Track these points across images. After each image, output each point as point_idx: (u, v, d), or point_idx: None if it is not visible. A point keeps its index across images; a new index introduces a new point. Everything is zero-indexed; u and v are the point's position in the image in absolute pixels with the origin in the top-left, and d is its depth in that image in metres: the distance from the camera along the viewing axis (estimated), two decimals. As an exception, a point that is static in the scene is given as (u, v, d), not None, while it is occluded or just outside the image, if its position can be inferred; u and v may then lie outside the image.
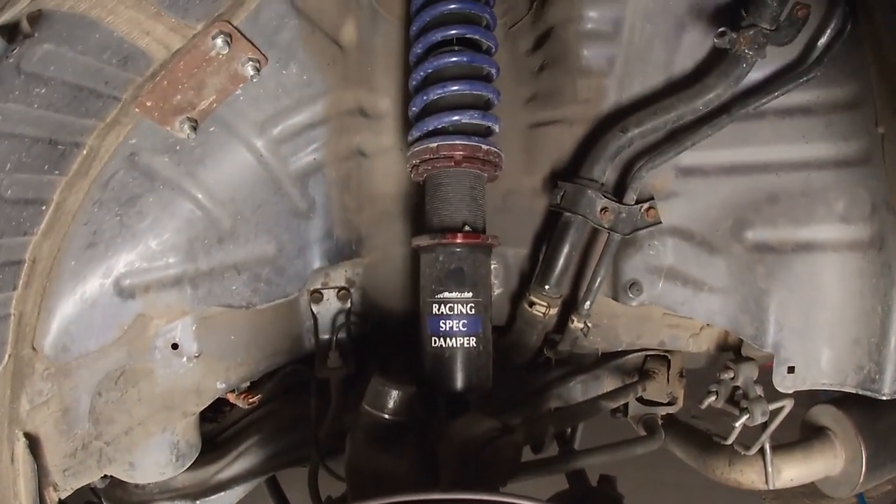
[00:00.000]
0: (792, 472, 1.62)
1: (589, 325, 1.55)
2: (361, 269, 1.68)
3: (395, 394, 1.26)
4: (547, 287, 1.53)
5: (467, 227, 1.35)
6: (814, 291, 1.45)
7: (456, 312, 1.33)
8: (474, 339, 1.34)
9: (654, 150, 1.45)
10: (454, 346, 1.34)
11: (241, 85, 1.35)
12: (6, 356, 1.29)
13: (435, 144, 1.35)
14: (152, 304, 1.43)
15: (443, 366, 1.35)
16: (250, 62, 1.32)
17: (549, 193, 1.57)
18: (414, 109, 1.42)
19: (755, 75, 1.36)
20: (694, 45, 1.42)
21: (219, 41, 1.26)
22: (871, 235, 1.39)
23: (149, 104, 1.30)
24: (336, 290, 1.64)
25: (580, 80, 1.49)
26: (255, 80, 1.34)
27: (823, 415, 1.67)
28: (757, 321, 1.48)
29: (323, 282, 1.65)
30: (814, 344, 1.46)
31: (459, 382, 1.37)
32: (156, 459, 1.48)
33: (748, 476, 1.64)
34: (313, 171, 1.49)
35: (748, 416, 1.49)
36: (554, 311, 1.56)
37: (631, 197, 1.46)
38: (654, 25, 1.41)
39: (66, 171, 1.27)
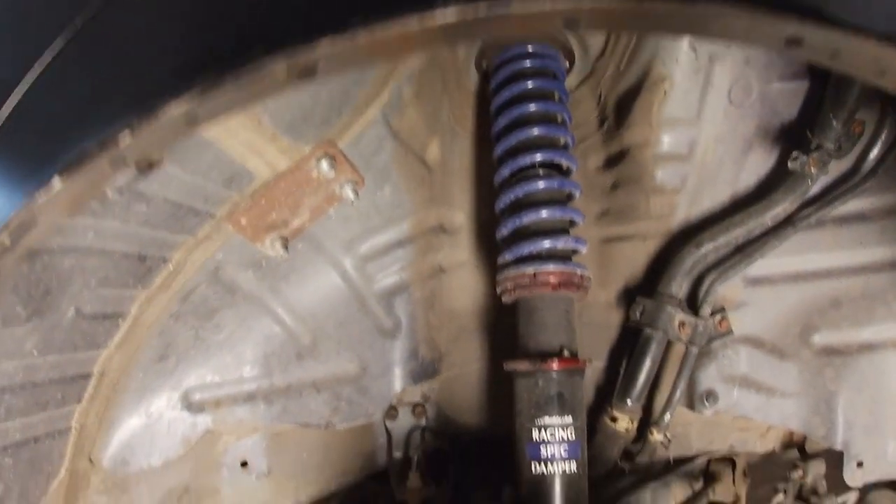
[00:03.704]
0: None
1: (669, 436, 1.55)
2: (437, 384, 1.65)
3: None
4: (629, 402, 1.54)
5: (566, 352, 1.34)
6: (880, 388, 1.51)
7: (557, 438, 1.30)
8: (575, 463, 1.31)
9: (724, 262, 1.49)
10: (555, 472, 1.30)
11: (335, 205, 1.36)
12: (63, 470, 1.21)
13: (532, 270, 1.34)
14: (223, 420, 1.38)
15: (545, 492, 1.31)
16: (349, 184, 1.33)
17: (623, 307, 1.60)
18: (504, 231, 1.42)
19: (814, 187, 1.43)
20: (758, 163, 1.49)
21: (324, 164, 1.27)
22: None
23: (243, 222, 1.29)
24: (411, 406, 1.60)
25: (654, 197, 1.54)
26: (353, 203, 1.34)
27: (882, 500, 1.69)
28: (828, 422, 1.53)
29: (398, 398, 1.61)
30: (881, 438, 1.52)
31: (561, 507, 1.33)
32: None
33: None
34: (399, 290, 1.50)
35: (820, 511, 1.53)
36: (635, 424, 1.56)
37: (706, 310, 1.49)
38: (724, 146, 1.48)
39: (150, 286, 1.25)
